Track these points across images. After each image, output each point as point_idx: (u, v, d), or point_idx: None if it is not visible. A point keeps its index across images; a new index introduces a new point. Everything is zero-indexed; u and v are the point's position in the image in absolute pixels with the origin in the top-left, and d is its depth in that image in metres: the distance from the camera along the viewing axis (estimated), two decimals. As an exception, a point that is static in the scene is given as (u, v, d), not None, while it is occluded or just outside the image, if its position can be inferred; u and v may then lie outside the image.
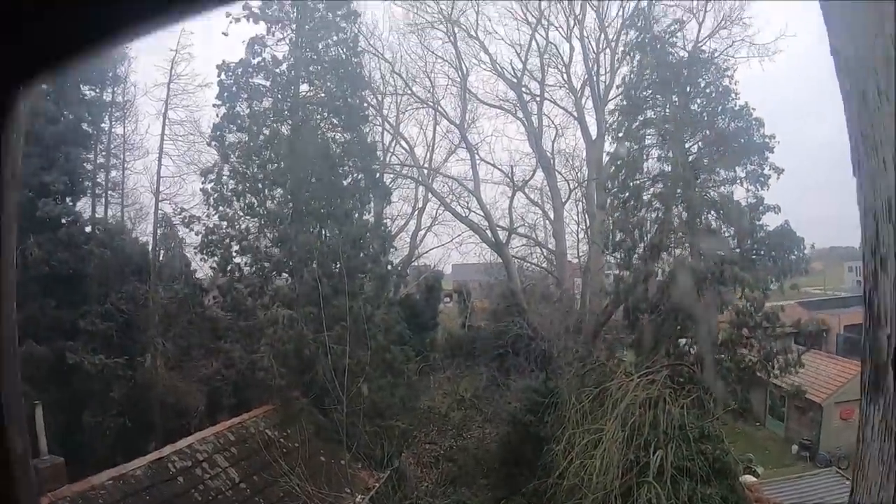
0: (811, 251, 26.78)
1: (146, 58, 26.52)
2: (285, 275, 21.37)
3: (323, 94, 22.38)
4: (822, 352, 29.57)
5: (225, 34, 22.03)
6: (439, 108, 30.02)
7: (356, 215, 21.89)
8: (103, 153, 25.71)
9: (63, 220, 22.47)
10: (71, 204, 23.32)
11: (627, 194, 21.95)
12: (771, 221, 22.51)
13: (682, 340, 21.39)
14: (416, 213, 30.59)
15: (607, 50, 28.79)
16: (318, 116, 22.57)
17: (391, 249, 24.86)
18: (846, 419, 24.54)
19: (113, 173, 26.16)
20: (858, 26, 1.68)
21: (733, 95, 22.47)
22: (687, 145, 21.96)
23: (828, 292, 57.04)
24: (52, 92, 22.32)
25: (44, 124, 21.73)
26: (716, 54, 24.67)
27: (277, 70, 22.29)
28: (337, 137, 22.64)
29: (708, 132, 22.14)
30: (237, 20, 22.02)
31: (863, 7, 1.68)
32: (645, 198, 21.90)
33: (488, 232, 28.07)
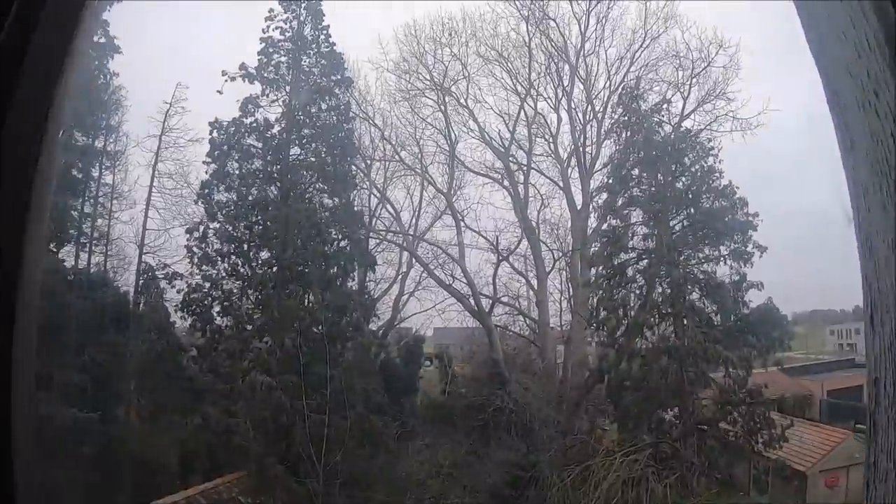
0: (792, 317, 26.99)
1: (140, 108, 26.67)
2: (266, 339, 21.09)
3: (313, 159, 22.58)
4: (806, 419, 29.48)
5: (220, 92, 22.36)
6: (427, 174, 30.32)
7: (340, 282, 21.85)
8: (91, 201, 25.58)
9: (46, 268, 22.20)
10: (54, 251, 23.09)
11: (612, 271, 22.10)
12: (755, 297, 22.72)
13: (666, 417, 21.27)
14: (400, 277, 30.61)
15: (594, 121, 29.43)
16: (308, 181, 22.70)
17: (373, 318, 24.83)
18: (831, 487, 24.32)
19: (99, 222, 26.02)
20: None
21: (718, 174, 22.88)
22: (672, 223, 22.22)
23: (810, 356, 57.22)
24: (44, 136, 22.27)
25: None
26: (700, 128, 25.30)
27: (269, 132, 22.51)
28: (325, 202, 22.79)
29: (692, 210, 22.42)
30: (232, 79, 22.40)
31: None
32: (629, 273, 22.06)
33: (471, 300, 28.07)
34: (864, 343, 1.66)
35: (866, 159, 1.53)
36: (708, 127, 26.05)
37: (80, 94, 23.02)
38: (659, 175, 22.23)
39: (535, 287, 28.76)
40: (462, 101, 29.88)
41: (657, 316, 21.76)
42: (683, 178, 22.77)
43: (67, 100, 1.39)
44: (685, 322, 21.22)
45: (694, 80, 27.40)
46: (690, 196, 22.44)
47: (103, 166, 25.95)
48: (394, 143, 29.78)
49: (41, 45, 1.20)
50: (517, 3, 29.62)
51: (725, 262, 22.19)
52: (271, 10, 23.67)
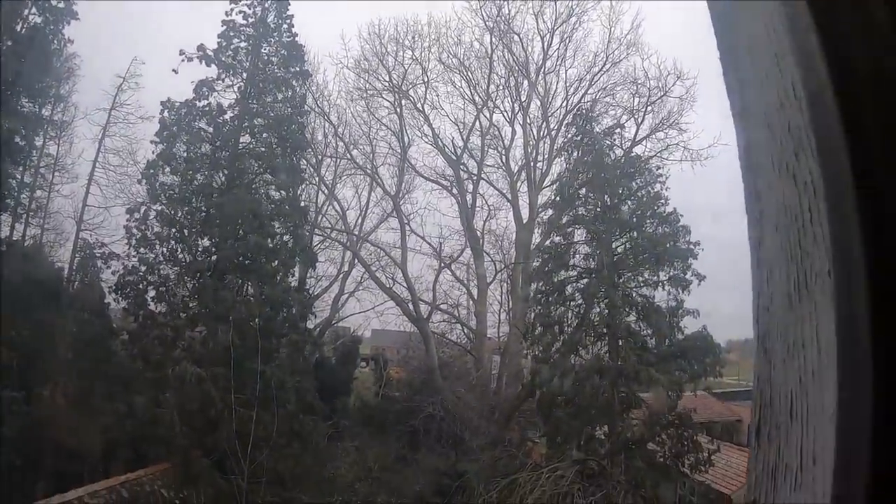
0: (727, 343, 27.63)
1: (93, 80, 25.88)
2: (200, 329, 20.63)
3: (263, 149, 22.20)
4: (734, 444, 30.21)
5: (175, 71, 21.84)
6: (377, 175, 30.28)
7: (279, 277, 21.51)
8: (32, 171, 24.70)
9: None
10: (-11, 219, 22.23)
11: (551, 287, 22.31)
12: (690, 324, 23.18)
13: (596, 434, 21.54)
14: (341, 277, 30.45)
15: (547, 138, 29.76)
16: (255, 170, 22.32)
17: (311, 316, 24.53)
18: (754, 511, 24.94)
19: (38, 193, 25.16)
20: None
21: (663, 201, 23.29)
22: (614, 245, 22.53)
23: (741, 382, 58.83)
24: None
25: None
26: (650, 154, 25.80)
27: (221, 118, 22.05)
28: (271, 195, 22.43)
29: (636, 234, 22.79)
30: (189, 59, 21.90)
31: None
32: (568, 291, 22.30)
33: (410, 305, 28.06)
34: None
35: (776, 236, 1.33)
36: (658, 154, 26.66)
37: (31, 57, 22.23)
38: (605, 196, 22.52)
39: (475, 297, 28.91)
40: (419, 105, 29.97)
41: (593, 335, 22.04)
42: (629, 202, 23.09)
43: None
44: (620, 343, 21.53)
45: (649, 107, 28.03)
46: (635, 219, 22.76)
47: (48, 136, 25.11)
48: (346, 140, 29.67)
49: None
50: (483, 13, 29.80)
51: (664, 288, 22.55)
52: (237, -7, 23.17)
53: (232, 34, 22.97)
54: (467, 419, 23.36)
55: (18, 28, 22.15)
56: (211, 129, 22.15)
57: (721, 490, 26.22)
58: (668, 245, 22.73)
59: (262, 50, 23.45)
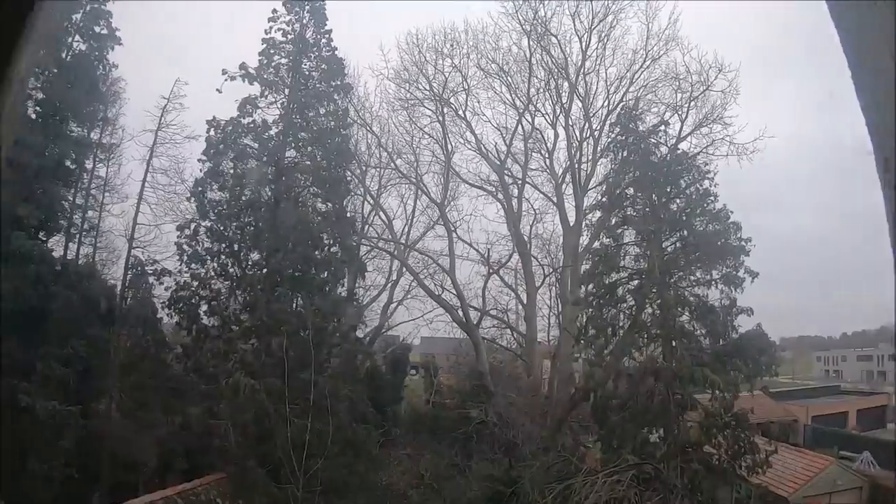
0: (780, 341, 27.08)
1: (138, 102, 26.51)
2: (252, 341, 20.91)
3: (309, 162, 22.49)
4: (790, 444, 29.52)
5: (219, 91, 22.28)
6: (421, 183, 30.39)
7: (329, 288, 21.72)
8: (83, 192, 25.37)
9: (33, 257, 22.00)
10: (44, 240, 22.84)
11: (602, 290, 22.07)
12: (744, 322, 22.72)
13: (651, 438, 21.19)
14: (390, 285, 30.57)
15: (590, 139, 29.51)
16: (302, 184, 22.60)
17: (361, 325, 24.71)
18: (812, 513, 24.35)
19: (89, 214, 25.82)
20: None
21: (712, 198, 22.90)
22: (664, 244, 22.20)
23: (796, 382, 57.62)
24: (39, 124, 22.20)
25: (27, 155, 21.47)
26: (696, 151, 25.37)
27: (266, 134, 22.41)
28: (318, 207, 22.71)
29: (686, 233, 22.43)
30: (232, 78, 22.31)
31: None
32: (619, 293, 22.03)
33: (460, 311, 28.02)
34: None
35: None
36: (704, 150, 26.20)
37: (78, 83, 22.93)
38: (654, 196, 22.20)
39: (525, 301, 28.77)
40: (460, 112, 29.98)
41: (646, 337, 21.71)
42: (678, 200, 22.76)
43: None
44: (674, 344, 21.16)
45: (692, 102, 27.59)
46: (684, 218, 22.43)
47: (97, 158, 25.76)
48: (390, 150, 29.83)
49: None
50: (520, 17, 29.72)
51: (716, 286, 22.15)
52: (275, 11, 23.64)
53: (272, 52, 23.37)
54: (519, 425, 23.18)
55: (64, 55, 22.85)
56: (256, 146, 22.53)
57: (779, 493, 25.57)
58: (719, 242, 22.36)
59: (303, 65, 23.80)
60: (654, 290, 21.20)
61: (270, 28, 23.50)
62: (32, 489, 19.40)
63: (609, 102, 29.44)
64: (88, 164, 25.29)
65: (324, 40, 24.15)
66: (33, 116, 22.38)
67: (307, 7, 24.10)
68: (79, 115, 23.68)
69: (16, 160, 20.27)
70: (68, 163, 24.07)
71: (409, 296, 30.64)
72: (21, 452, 19.82)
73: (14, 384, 19.63)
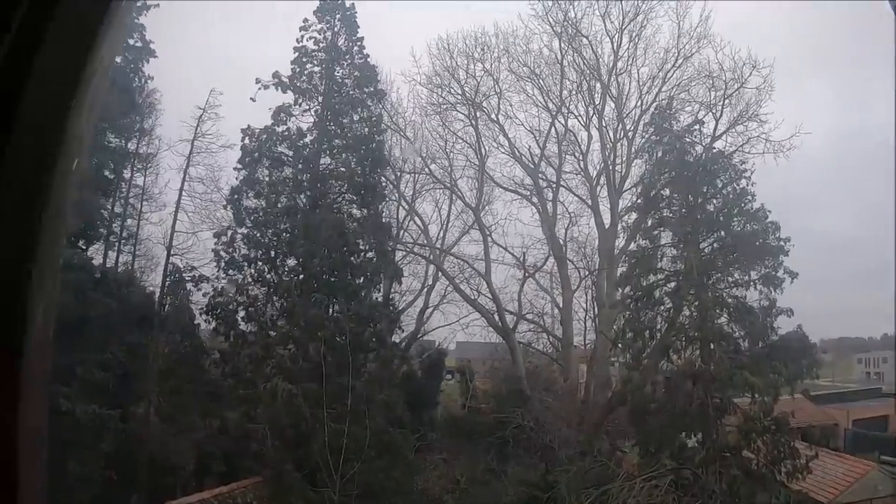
0: (820, 343, 26.58)
1: (173, 112, 26.97)
2: (290, 346, 21.12)
3: (343, 169, 22.72)
4: (830, 449, 28.90)
5: (253, 100, 22.61)
6: (456, 188, 30.37)
7: (365, 293, 21.88)
8: (121, 202, 25.91)
9: (73, 265, 22.51)
10: (83, 249, 23.36)
11: (639, 292, 21.86)
12: (784, 324, 22.35)
13: (689, 443, 20.91)
14: (425, 290, 30.64)
15: (624, 140, 29.25)
16: (337, 191, 22.81)
17: (397, 330, 24.82)
18: (853, 520, 23.80)
19: (128, 222, 26.35)
20: None
21: (750, 197, 22.59)
22: (702, 245, 21.93)
23: (837, 384, 56.39)
24: None
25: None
26: (732, 149, 25.01)
27: (301, 141, 22.68)
28: (353, 213, 22.94)
29: (723, 233, 22.13)
30: (266, 87, 22.61)
31: None
32: (656, 295, 21.80)
33: (496, 316, 27.97)
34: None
35: None
36: (740, 148, 25.81)
37: (114, 95, 23.46)
38: (690, 196, 21.95)
39: (560, 305, 28.59)
40: (493, 116, 29.89)
41: (684, 339, 21.44)
42: (715, 201, 22.48)
43: (86, 111, 1.35)
44: (712, 347, 20.87)
45: (727, 100, 27.15)
46: (721, 219, 22.15)
47: (135, 168, 26.30)
48: (424, 155, 29.88)
49: (53, 56, 1.18)
50: (550, 19, 29.60)
51: (755, 287, 21.82)
52: (306, 20, 23.93)
53: (305, 60, 23.64)
54: (556, 429, 23.02)
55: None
56: (291, 153, 22.82)
57: (818, 499, 25.02)
58: (757, 243, 22.05)
59: (336, 73, 24.04)
60: (692, 292, 20.94)
61: (302, 37, 23.81)
62: (71, 490, 19.84)
63: (642, 103, 29.18)
64: (126, 174, 25.86)
65: (356, 47, 24.37)
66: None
67: (338, 15, 24.33)
68: (116, 126, 24.21)
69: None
70: (107, 173, 24.63)
71: (444, 300, 30.68)
72: (61, 455, 20.30)
73: (55, 389, 20.11)
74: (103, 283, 22.96)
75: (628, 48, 29.55)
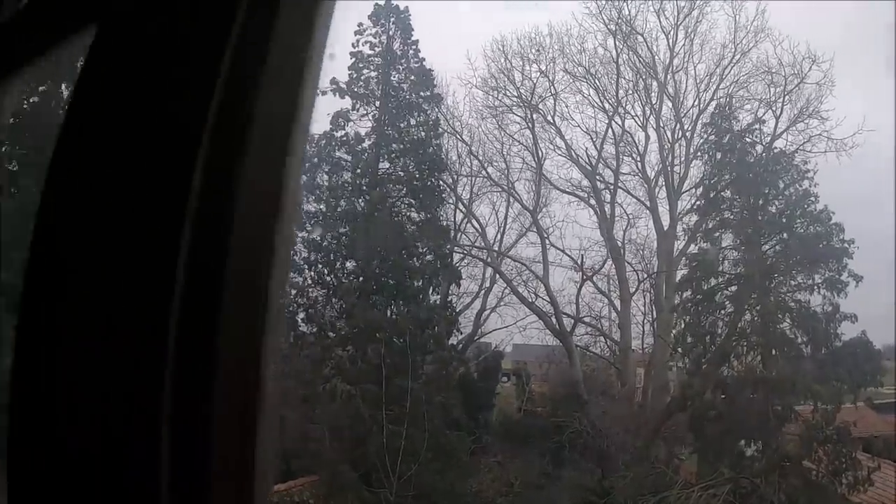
0: (884, 349, 25.74)
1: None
2: (349, 348, 21.48)
3: (402, 173, 22.99)
4: (893, 461, 27.92)
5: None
6: (513, 191, 30.30)
7: (423, 296, 22.11)
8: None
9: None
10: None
11: (700, 297, 21.56)
12: (847, 330, 21.77)
13: (747, 451, 20.56)
14: (483, 293, 30.65)
15: (682, 140, 28.75)
16: (396, 194, 23.11)
17: (454, 332, 24.92)
18: (914, 536, 23.01)
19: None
20: None
21: (813, 198, 22.07)
22: (763, 248, 21.52)
23: (900, 391, 54.30)
24: None
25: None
26: (794, 148, 24.39)
27: (359, 146, 23.03)
28: (412, 216, 23.20)
29: (786, 236, 21.68)
30: (324, 93, 22.95)
31: None
32: (717, 299, 21.48)
33: (553, 318, 27.85)
34: None
35: None
36: (801, 147, 25.13)
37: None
38: (751, 198, 21.56)
39: (619, 308, 28.29)
40: (549, 118, 29.71)
41: (745, 345, 21.08)
42: (777, 202, 22.03)
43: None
44: (774, 352, 20.49)
45: (786, 97, 26.43)
46: (784, 220, 21.71)
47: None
48: (481, 158, 29.91)
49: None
50: (604, 17, 29.28)
51: (818, 291, 21.33)
52: (360, 25, 24.14)
53: (361, 65, 23.93)
54: (613, 434, 22.82)
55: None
56: (350, 158, 23.19)
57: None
58: (820, 245, 21.54)
59: (392, 78, 24.26)
60: (754, 296, 20.58)
61: (357, 41, 24.06)
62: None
63: (700, 101, 28.57)
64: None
65: (411, 51, 24.54)
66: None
67: (392, 19, 24.56)
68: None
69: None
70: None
71: (502, 303, 30.61)
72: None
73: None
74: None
75: (684, 45, 28.98)
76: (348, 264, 22.36)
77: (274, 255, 1.19)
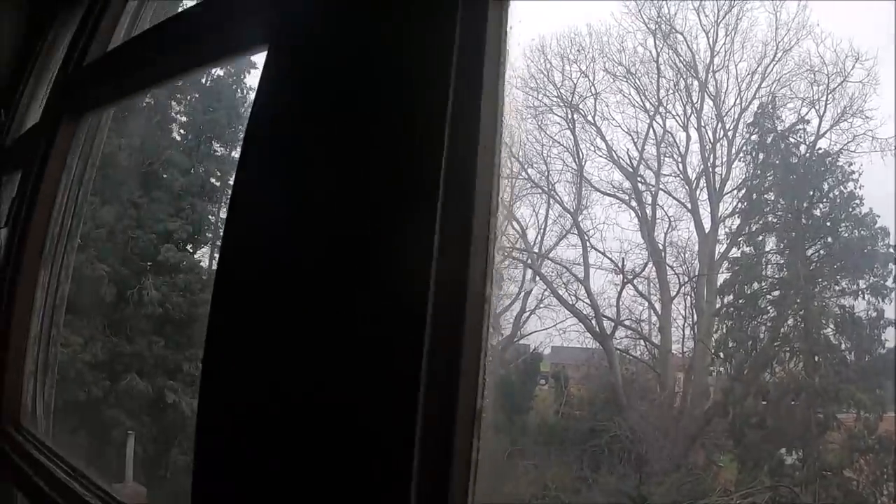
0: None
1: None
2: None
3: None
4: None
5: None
6: (553, 192, 30.16)
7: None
8: (226, 208, 27.13)
9: (182, 267, 23.83)
10: (191, 252, 24.68)
11: (743, 301, 21.22)
12: (891, 337, 21.20)
13: (788, 460, 20.20)
14: (523, 295, 30.50)
15: (724, 140, 28.25)
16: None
17: (495, 334, 24.85)
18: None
19: (233, 227, 27.54)
20: None
21: (858, 201, 21.53)
22: (807, 252, 21.08)
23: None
24: (185, 145, 24.26)
25: (175, 174, 23.51)
26: (838, 149, 23.81)
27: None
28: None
29: (830, 240, 21.21)
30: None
31: None
32: (760, 304, 21.13)
33: (593, 321, 27.66)
34: None
35: None
36: (845, 147, 24.51)
37: (218, 106, 24.84)
38: (795, 200, 21.14)
39: (659, 312, 27.93)
40: (590, 118, 29.47)
41: (787, 351, 20.70)
42: (821, 205, 21.56)
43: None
44: (817, 359, 20.08)
45: (829, 95, 25.79)
46: (828, 224, 21.23)
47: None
48: (521, 160, 29.81)
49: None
50: (643, 16, 28.93)
51: (863, 297, 20.81)
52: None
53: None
54: (651, 439, 22.60)
55: (204, 81, 24.72)
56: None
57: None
58: (865, 250, 21.03)
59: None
60: (798, 301, 20.19)
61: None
62: (173, 476, 21.01)
63: (741, 100, 27.94)
64: (230, 181, 27.03)
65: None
66: (178, 138, 24.51)
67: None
68: (220, 136, 25.41)
69: (165, 180, 22.53)
70: (213, 180, 25.91)
71: (541, 305, 30.48)
72: (165, 443, 21.66)
73: (161, 381, 21.46)
74: (209, 284, 24.09)
75: (724, 43, 28.43)
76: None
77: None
